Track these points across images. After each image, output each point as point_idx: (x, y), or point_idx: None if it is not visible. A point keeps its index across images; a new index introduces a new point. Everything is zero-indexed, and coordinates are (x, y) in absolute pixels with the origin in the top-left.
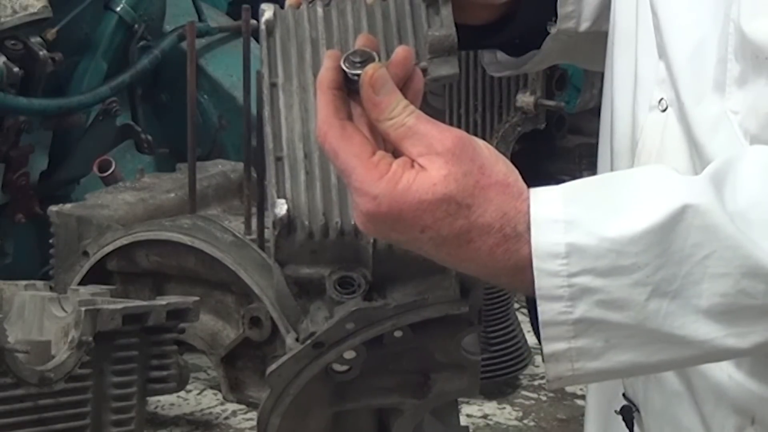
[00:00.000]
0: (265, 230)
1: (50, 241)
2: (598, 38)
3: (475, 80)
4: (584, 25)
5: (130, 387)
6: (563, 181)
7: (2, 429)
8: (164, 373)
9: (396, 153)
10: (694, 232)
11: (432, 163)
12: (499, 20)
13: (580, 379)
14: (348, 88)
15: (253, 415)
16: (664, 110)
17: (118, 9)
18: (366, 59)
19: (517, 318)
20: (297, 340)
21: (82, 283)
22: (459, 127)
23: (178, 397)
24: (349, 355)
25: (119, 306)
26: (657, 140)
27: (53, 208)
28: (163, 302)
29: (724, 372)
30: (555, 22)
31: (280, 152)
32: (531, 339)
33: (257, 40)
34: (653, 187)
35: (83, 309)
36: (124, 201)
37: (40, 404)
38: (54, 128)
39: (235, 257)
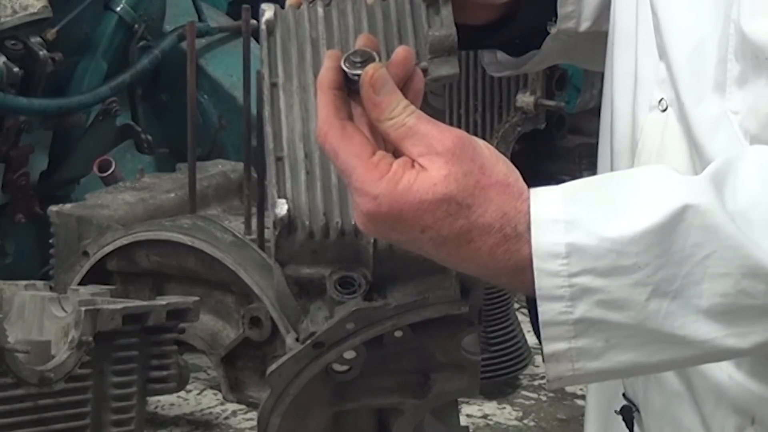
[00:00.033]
0: (266, 230)
1: (50, 241)
2: (598, 38)
3: (475, 80)
4: (584, 25)
5: (130, 387)
6: (563, 181)
7: (2, 429)
8: (164, 373)
9: (396, 153)
10: (695, 232)
11: (432, 163)
12: (499, 20)
13: (580, 379)
14: (348, 88)
15: (253, 415)
16: (664, 110)
17: (118, 9)
18: (366, 59)
19: (517, 318)
20: (297, 340)
21: (82, 283)
22: (459, 127)
23: (178, 397)
24: (349, 355)
25: (119, 306)
26: (657, 140)
27: (53, 208)
28: (163, 302)
29: (724, 372)
30: (555, 22)
31: (281, 152)
32: (531, 339)
33: (257, 40)
34: (653, 187)
35: (83, 309)
36: (124, 201)
37: (40, 404)
38: (54, 128)
39: (235, 257)
